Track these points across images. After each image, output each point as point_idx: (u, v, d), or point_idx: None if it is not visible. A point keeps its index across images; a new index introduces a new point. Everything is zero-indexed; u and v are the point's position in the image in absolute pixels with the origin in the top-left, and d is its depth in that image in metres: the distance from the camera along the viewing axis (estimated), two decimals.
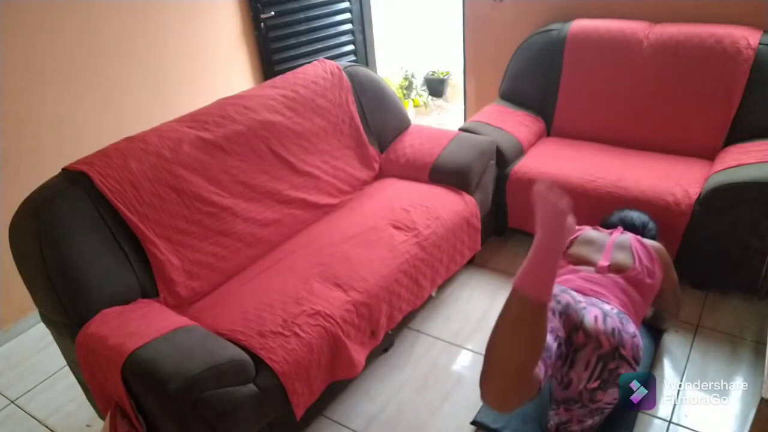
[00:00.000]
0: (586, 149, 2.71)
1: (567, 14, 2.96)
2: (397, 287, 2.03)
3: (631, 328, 1.55)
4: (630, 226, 2.04)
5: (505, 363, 1.24)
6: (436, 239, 2.22)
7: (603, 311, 1.54)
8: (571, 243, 1.89)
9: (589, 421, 1.61)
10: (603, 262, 1.77)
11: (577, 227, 1.95)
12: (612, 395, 1.55)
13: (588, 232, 1.94)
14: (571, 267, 1.81)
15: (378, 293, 1.95)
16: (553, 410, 1.66)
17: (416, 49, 4.81)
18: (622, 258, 1.79)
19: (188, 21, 2.98)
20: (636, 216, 2.06)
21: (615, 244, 1.85)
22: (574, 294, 1.59)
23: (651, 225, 2.06)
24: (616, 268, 1.76)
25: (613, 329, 1.51)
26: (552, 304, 1.55)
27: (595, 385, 1.52)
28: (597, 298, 1.63)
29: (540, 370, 1.33)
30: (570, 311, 1.53)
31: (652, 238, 2.04)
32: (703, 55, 2.50)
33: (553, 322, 1.50)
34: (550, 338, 1.48)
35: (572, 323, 1.51)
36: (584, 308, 1.55)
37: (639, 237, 1.92)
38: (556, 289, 1.60)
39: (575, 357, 1.52)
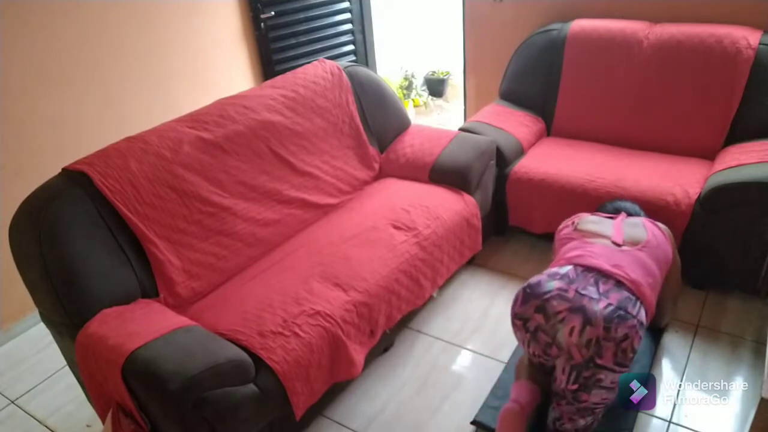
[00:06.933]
0: (586, 149, 2.71)
1: (567, 14, 2.96)
2: (397, 287, 2.03)
3: (624, 329, 1.48)
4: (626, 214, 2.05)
5: None
6: (436, 239, 2.21)
7: (585, 319, 1.50)
8: (576, 224, 1.90)
9: (581, 422, 1.61)
10: (617, 237, 1.77)
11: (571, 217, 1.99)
12: (598, 396, 1.55)
13: (588, 216, 1.95)
14: (585, 240, 1.79)
15: (378, 293, 1.95)
16: (551, 404, 1.68)
17: (416, 49, 4.80)
18: (635, 232, 1.81)
19: (188, 21, 2.97)
20: (629, 205, 2.09)
21: (626, 223, 1.87)
22: (553, 306, 1.55)
23: (642, 214, 2.08)
24: (630, 242, 1.76)
25: (590, 340, 1.48)
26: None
27: (574, 387, 1.55)
28: (597, 287, 1.57)
29: None
30: (539, 336, 1.59)
31: None
32: (703, 55, 2.50)
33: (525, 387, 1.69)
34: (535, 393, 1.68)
35: (544, 343, 1.58)
36: (562, 320, 1.53)
37: (648, 219, 1.94)
38: (528, 310, 1.60)
39: (554, 362, 1.60)
